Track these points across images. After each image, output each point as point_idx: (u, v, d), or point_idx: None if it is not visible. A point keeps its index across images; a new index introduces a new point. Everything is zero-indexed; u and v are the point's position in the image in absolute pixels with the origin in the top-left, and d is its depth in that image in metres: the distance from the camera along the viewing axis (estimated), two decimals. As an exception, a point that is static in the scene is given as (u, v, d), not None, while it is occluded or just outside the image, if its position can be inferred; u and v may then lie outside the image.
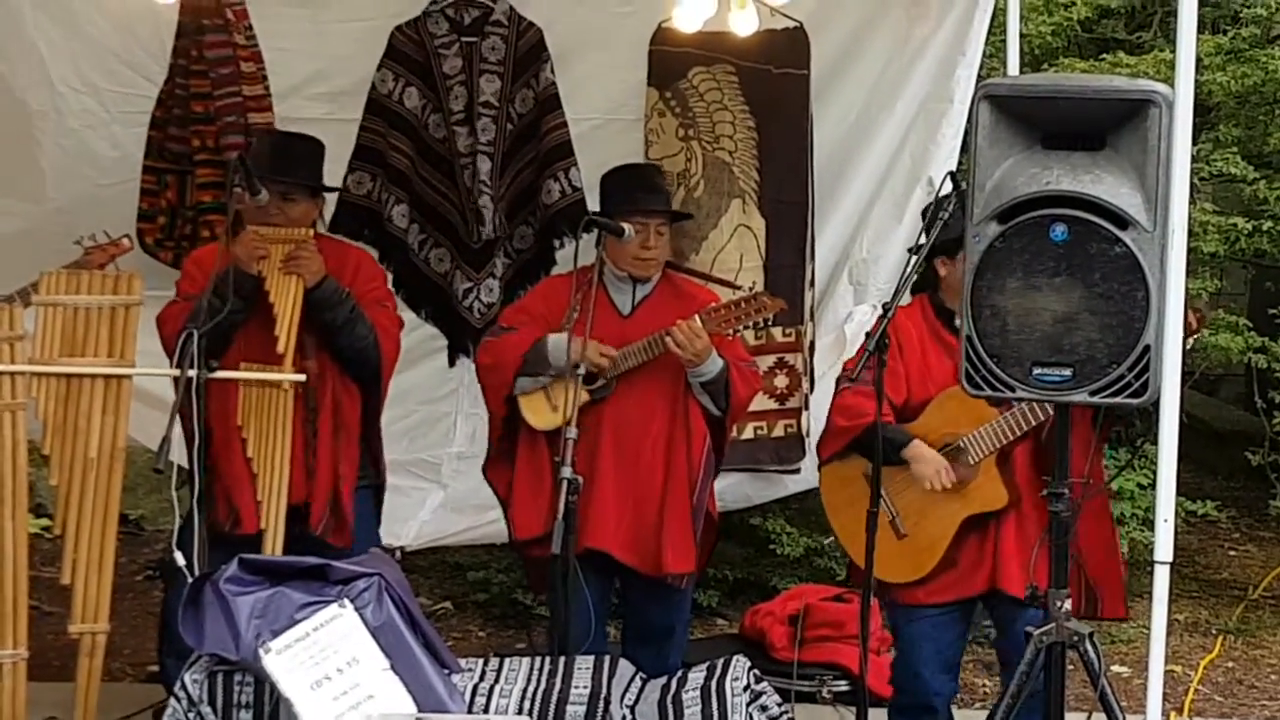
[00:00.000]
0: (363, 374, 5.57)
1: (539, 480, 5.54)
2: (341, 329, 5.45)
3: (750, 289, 5.63)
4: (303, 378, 5.30)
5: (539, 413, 5.57)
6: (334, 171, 6.50)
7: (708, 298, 5.69)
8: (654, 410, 5.56)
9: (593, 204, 5.98)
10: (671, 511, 5.52)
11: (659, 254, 5.61)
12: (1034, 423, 4.92)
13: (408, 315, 6.74)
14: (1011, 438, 4.98)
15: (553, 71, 6.65)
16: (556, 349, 5.46)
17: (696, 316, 5.40)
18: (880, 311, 4.99)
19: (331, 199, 6.52)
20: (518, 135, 6.71)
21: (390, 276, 6.67)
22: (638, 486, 5.54)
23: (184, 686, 4.42)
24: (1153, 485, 5.20)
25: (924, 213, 5.43)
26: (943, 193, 4.96)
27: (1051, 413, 4.65)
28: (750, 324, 5.57)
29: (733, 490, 6.66)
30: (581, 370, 5.27)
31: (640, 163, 6.11)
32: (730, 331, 5.48)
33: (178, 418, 4.97)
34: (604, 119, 6.85)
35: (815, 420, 6.72)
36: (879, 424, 4.95)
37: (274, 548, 5.18)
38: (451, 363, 6.97)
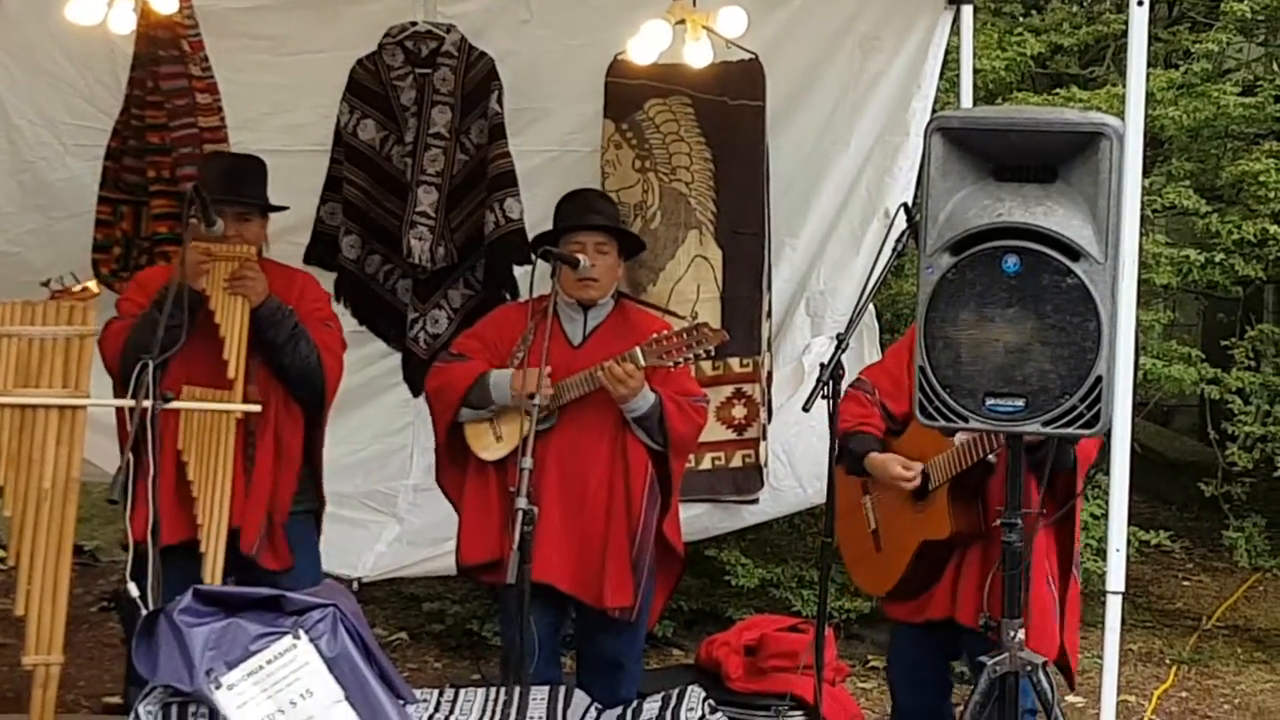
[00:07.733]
0: (307, 393, 5.56)
1: (486, 507, 5.53)
2: (284, 347, 5.44)
3: (692, 319, 5.59)
4: (258, 408, 5.28)
5: (485, 444, 5.55)
6: (305, 201, 6.54)
7: (659, 327, 5.63)
8: (597, 442, 5.52)
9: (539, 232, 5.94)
10: (611, 546, 5.49)
11: (600, 274, 5.57)
12: (983, 454, 4.91)
13: (366, 350, 6.75)
14: (963, 467, 4.97)
15: (499, 102, 6.59)
16: (498, 386, 5.47)
17: (638, 349, 5.38)
18: (836, 343, 4.98)
19: (306, 228, 6.60)
20: (473, 166, 6.68)
21: (348, 306, 6.68)
22: (583, 519, 5.50)
23: (138, 717, 4.41)
24: (1106, 515, 5.22)
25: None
26: (897, 225, 4.97)
27: (998, 444, 4.67)
28: (692, 355, 5.53)
29: (692, 522, 6.65)
30: (537, 401, 5.13)
31: (585, 188, 6.07)
32: (672, 362, 5.45)
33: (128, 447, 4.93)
34: (560, 150, 6.88)
35: (773, 451, 6.74)
36: (831, 456, 4.93)
37: (214, 572, 5.16)
38: (415, 394, 6.88)
